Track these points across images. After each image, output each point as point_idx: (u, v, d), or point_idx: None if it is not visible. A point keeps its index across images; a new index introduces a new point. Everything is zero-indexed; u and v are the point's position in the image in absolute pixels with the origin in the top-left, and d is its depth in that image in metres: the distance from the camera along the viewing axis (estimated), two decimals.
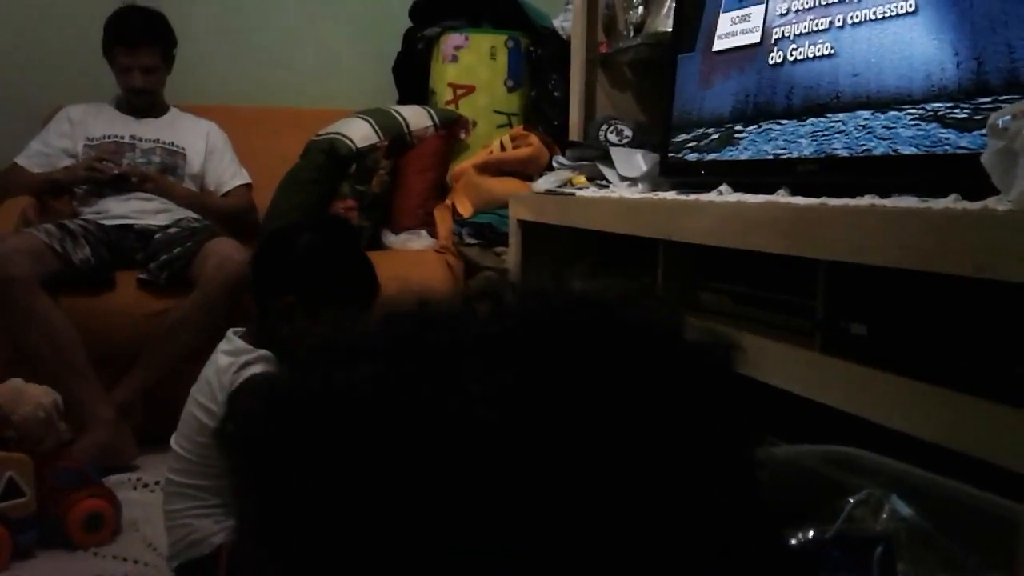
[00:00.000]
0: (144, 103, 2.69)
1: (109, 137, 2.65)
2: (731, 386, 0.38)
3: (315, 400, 0.36)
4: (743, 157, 1.59)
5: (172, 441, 1.45)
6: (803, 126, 1.47)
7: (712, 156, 1.67)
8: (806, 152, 1.45)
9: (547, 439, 0.33)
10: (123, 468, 2.14)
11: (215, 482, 1.40)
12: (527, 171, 2.54)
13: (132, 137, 2.67)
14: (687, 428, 0.35)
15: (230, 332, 1.48)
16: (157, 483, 1.92)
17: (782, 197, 1.39)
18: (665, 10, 2.01)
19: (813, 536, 0.87)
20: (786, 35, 1.51)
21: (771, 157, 1.52)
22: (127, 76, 2.63)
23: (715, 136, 1.67)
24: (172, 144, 2.70)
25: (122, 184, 2.55)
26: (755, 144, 1.56)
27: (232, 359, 1.40)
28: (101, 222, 2.46)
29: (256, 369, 1.38)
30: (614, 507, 0.33)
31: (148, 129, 2.69)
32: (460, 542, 0.33)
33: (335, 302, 1.43)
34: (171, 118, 2.76)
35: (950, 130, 1.20)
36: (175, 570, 1.42)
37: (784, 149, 1.50)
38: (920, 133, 1.24)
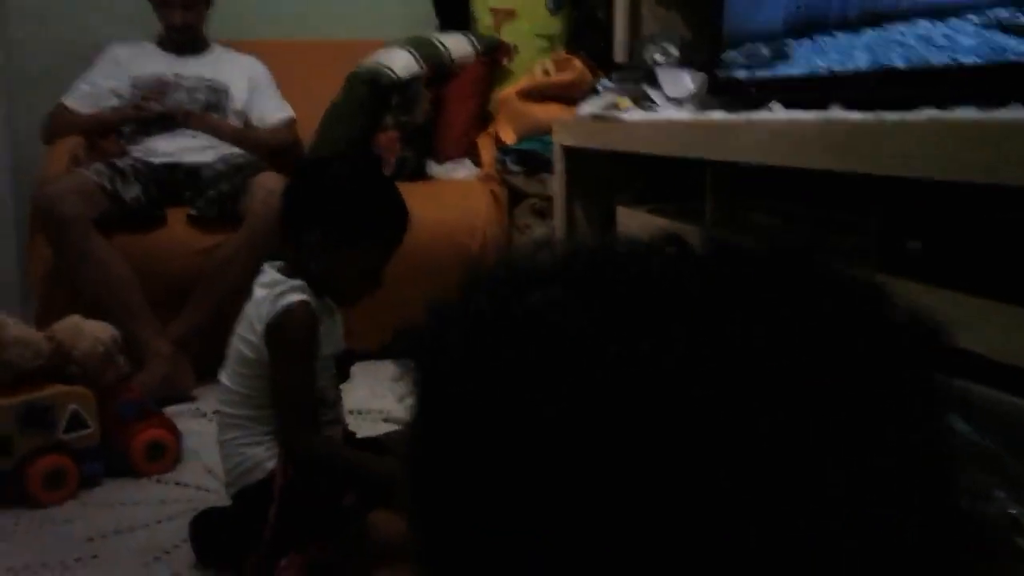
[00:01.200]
0: (185, 39, 2.69)
1: (153, 76, 2.65)
2: (933, 368, 0.35)
3: (491, 322, 0.35)
4: (795, 72, 1.54)
5: (220, 375, 1.48)
6: (858, 38, 1.41)
7: (762, 73, 1.62)
8: (861, 65, 1.40)
9: (743, 408, 0.31)
10: (182, 399, 2.20)
11: (261, 412, 1.43)
12: (571, 96, 2.49)
13: (176, 75, 2.67)
14: (886, 411, 0.33)
15: (266, 265, 1.49)
16: (215, 413, 1.97)
17: (836, 112, 1.34)
18: None
19: None
20: None
21: (825, 71, 1.47)
22: (167, 13, 2.62)
23: (766, 51, 1.61)
24: (215, 81, 2.70)
25: (168, 122, 2.56)
26: (808, 58, 1.51)
27: (267, 291, 1.42)
28: (149, 160, 2.48)
29: (293, 298, 1.39)
30: (813, 481, 0.31)
31: (191, 66, 2.69)
32: (639, 506, 0.31)
33: (362, 236, 1.43)
34: (213, 55, 2.76)
35: (1013, 37, 1.14)
36: (232, 496, 1.46)
37: (838, 62, 1.44)
38: (981, 41, 1.18)
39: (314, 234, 1.42)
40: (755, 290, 0.34)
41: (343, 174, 1.49)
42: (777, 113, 1.47)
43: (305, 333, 1.41)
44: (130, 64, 2.66)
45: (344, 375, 1.55)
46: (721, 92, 1.75)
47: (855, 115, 1.27)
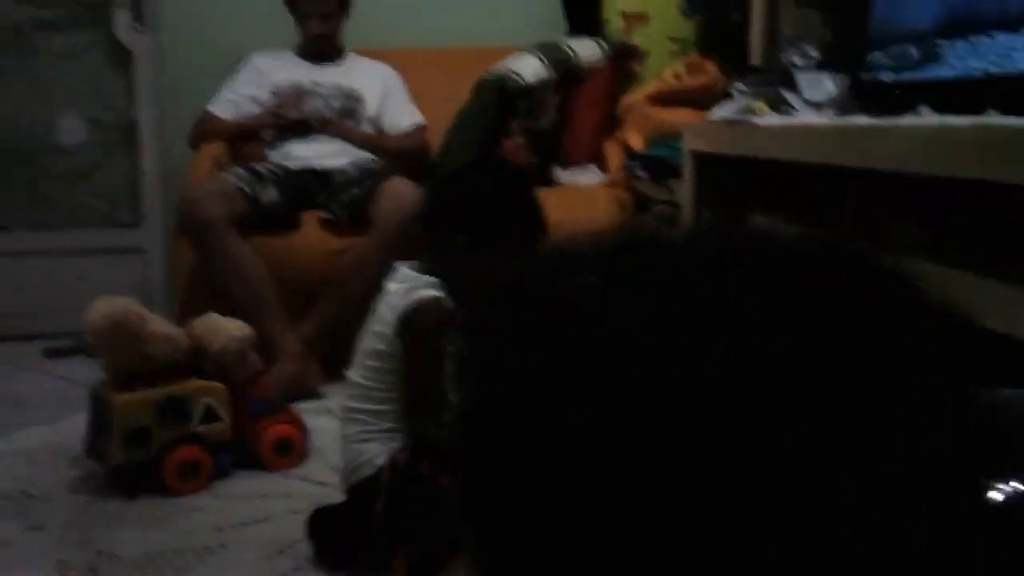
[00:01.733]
0: (322, 48, 2.77)
1: (292, 84, 2.75)
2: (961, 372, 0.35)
3: (527, 309, 0.37)
4: (947, 75, 1.44)
5: (348, 372, 1.52)
6: (1019, 38, 1.31)
7: (911, 75, 1.53)
8: (1022, 66, 1.30)
9: (766, 419, 0.31)
10: (310, 397, 2.26)
11: (381, 407, 1.47)
12: (703, 100, 2.42)
13: (313, 83, 2.76)
14: (893, 421, 0.33)
15: (398, 265, 1.55)
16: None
17: (993, 118, 1.25)
18: None
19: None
20: None
21: (980, 74, 1.37)
22: (306, 23, 2.72)
23: (915, 53, 1.52)
24: (350, 89, 2.77)
25: (304, 129, 2.65)
26: (962, 60, 1.41)
27: (400, 285, 1.48)
28: (286, 165, 2.57)
29: (427, 292, 1.44)
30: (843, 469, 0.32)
31: (328, 75, 2.78)
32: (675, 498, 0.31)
33: (501, 241, 1.46)
34: (349, 63, 2.84)
35: None
36: (347, 490, 1.50)
37: (996, 64, 1.34)
38: None
39: (460, 237, 1.47)
40: (795, 293, 0.34)
41: (491, 180, 1.56)
42: (926, 118, 1.38)
43: (436, 326, 1.43)
44: (270, 73, 2.77)
45: None
46: (864, 96, 1.66)
47: (1014, 120, 1.18)
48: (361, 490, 1.45)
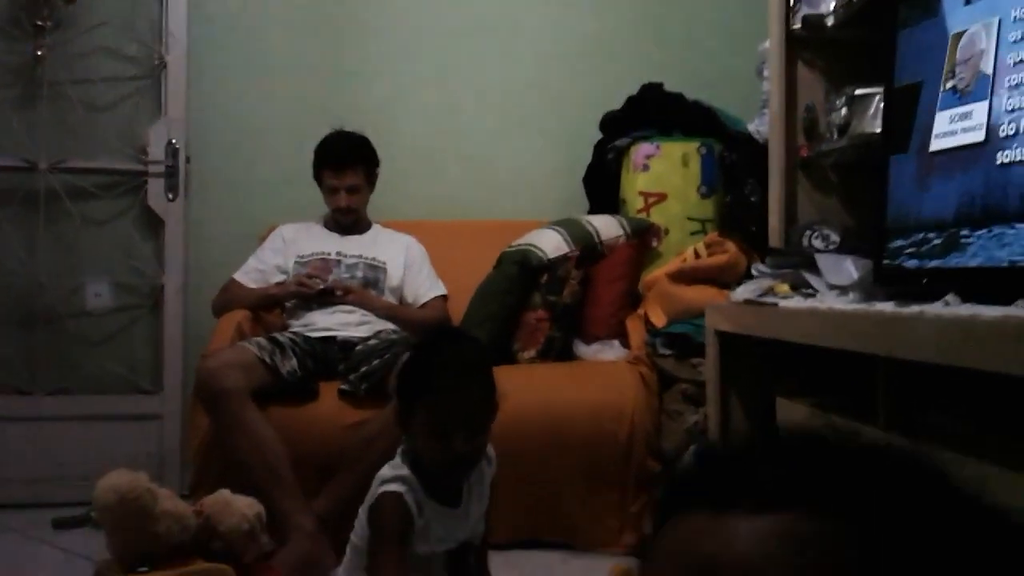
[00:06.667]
0: (349, 221, 2.84)
1: (317, 254, 2.80)
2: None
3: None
4: (972, 264, 1.44)
5: None
6: None
7: (935, 263, 1.53)
8: None
9: None
10: None
11: None
12: (723, 279, 2.44)
13: (338, 253, 2.81)
14: None
15: (400, 448, 1.56)
16: None
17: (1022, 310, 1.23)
18: (872, 111, 1.90)
19: None
20: (1017, 132, 1.37)
21: (1006, 264, 1.37)
22: (333, 196, 2.80)
23: (937, 241, 1.53)
24: (374, 259, 2.82)
25: (327, 298, 2.67)
26: (986, 250, 1.41)
27: (383, 471, 1.52)
28: (308, 334, 2.58)
29: (388, 487, 1.46)
30: None
31: (352, 245, 2.83)
32: None
33: (420, 392, 1.48)
34: (374, 234, 2.90)
35: None
36: None
37: (1021, 256, 1.34)
38: None
39: (400, 406, 1.53)
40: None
41: (420, 357, 1.57)
42: (955, 307, 1.37)
43: (391, 522, 1.45)
44: (296, 243, 2.83)
45: (464, 570, 1.56)
46: (889, 281, 1.66)
47: None
48: None
